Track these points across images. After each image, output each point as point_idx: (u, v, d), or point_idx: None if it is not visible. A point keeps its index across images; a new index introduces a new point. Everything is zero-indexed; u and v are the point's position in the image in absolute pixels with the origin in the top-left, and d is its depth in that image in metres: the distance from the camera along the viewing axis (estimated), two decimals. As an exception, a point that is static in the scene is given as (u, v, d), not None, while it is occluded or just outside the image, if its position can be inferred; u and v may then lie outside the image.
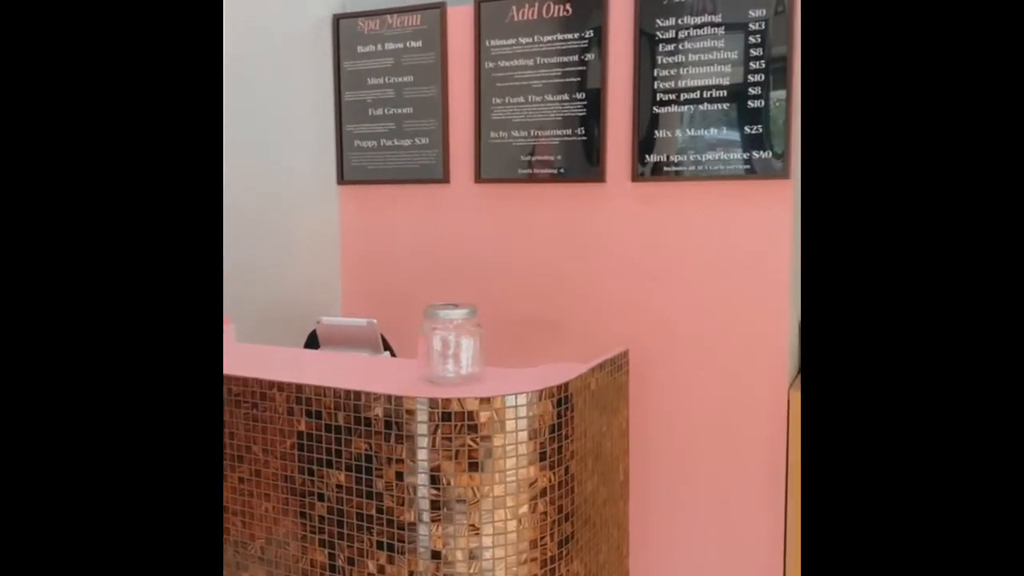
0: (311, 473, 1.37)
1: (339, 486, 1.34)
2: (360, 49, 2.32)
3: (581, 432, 1.43)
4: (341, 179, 2.39)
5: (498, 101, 2.16)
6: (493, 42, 2.15)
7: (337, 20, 2.34)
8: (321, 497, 1.36)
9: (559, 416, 1.34)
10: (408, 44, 2.26)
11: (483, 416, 1.26)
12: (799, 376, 2.02)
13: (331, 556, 1.37)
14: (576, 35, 2.05)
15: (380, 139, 2.32)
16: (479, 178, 2.20)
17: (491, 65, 2.16)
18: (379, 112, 2.32)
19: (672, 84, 1.95)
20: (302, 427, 1.36)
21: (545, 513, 1.32)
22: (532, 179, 2.14)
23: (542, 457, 1.31)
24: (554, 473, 1.33)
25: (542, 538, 1.32)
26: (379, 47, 2.30)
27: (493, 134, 2.17)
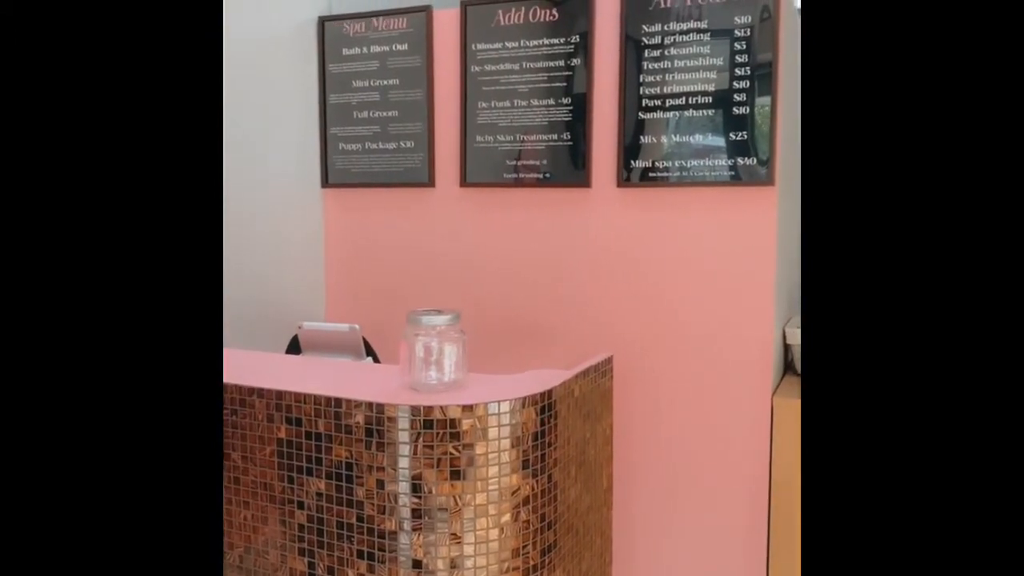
0: (291, 481, 1.35)
1: (319, 494, 1.33)
2: (345, 51, 2.31)
3: (564, 439, 1.42)
4: (325, 182, 2.37)
5: (484, 105, 2.15)
6: (479, 46, 2.15)
7: (322, 22, 2.32)
8: (301, 505, 1.35)
9: (542, 424, 1.33)
10: (394, 47, 2.25)
11: (465, 424, 1.25)
12: (783, 382, 2.02)
13: (311, 565, 1.35)
14: (562, 40, 2.05)
15: (365, 142, 2.31)
16: (464, 182, 2.19)
17: (477, 69, 2.15)
18: (364, 115, 2.30)
19: (658, 90, 1.95)
20: (282, 434, 1.35)
21: (528, 521, 1.31)
22: (517, 183, 2.13)
23: (525, 465, 1.30)
24: (537, 481, 1.32)
25: (524, 547, 1.31)
26: (364, 50, 2.28)
27: (479, 138, 2.17)
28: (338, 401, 1.30)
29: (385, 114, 2.27)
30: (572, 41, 2.04)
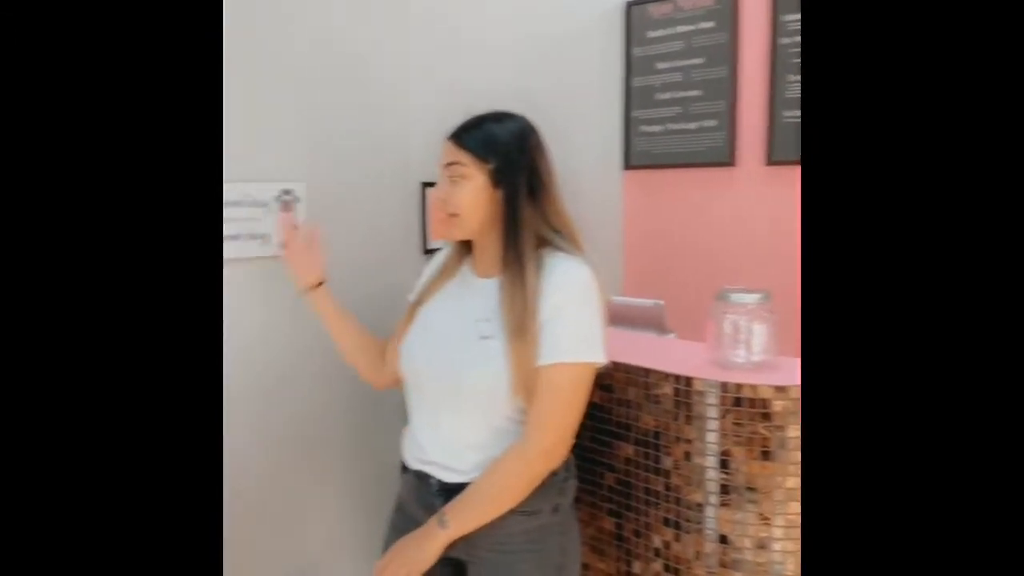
0: (602, 444, 1.44)
1: (628, 459, 1.39)
2: (650, 34, 2.34)
3: (885, 431, 1.33)
4: (627, 164, 2.43)
5: (793, 79, 2.06)
6: (789, 17, 2.05)
7: (629, 7, 2.38)
8: (611, 468, 1.43)
9: (861, 411, 1.26)
10: (699, 26, 2.23)
11: (777, 405, 1.23)
12: None
13: (618, 526, 1.42)
14: (888, 1, 1.88)
15: (666, 123, 2.33)
16: (770, 160, 2.12)
17: (787, 41, 2.06)
18: (666, 96, 2.32)
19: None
20: (595, 399, 1.43)
21: (842, 512, 1.25)
22: (829, 160, 2.01)
23: (841, 453, 1.24)
24: (853, 471, 1.26)
25: (837, 537, 1.25)
26: (670, 31, 2.30)
27: (786, 113, 2.08)
28: (647, 371, 1.35)
29: (687, 94, 2.27)
30: (900, 2, 1.86)
